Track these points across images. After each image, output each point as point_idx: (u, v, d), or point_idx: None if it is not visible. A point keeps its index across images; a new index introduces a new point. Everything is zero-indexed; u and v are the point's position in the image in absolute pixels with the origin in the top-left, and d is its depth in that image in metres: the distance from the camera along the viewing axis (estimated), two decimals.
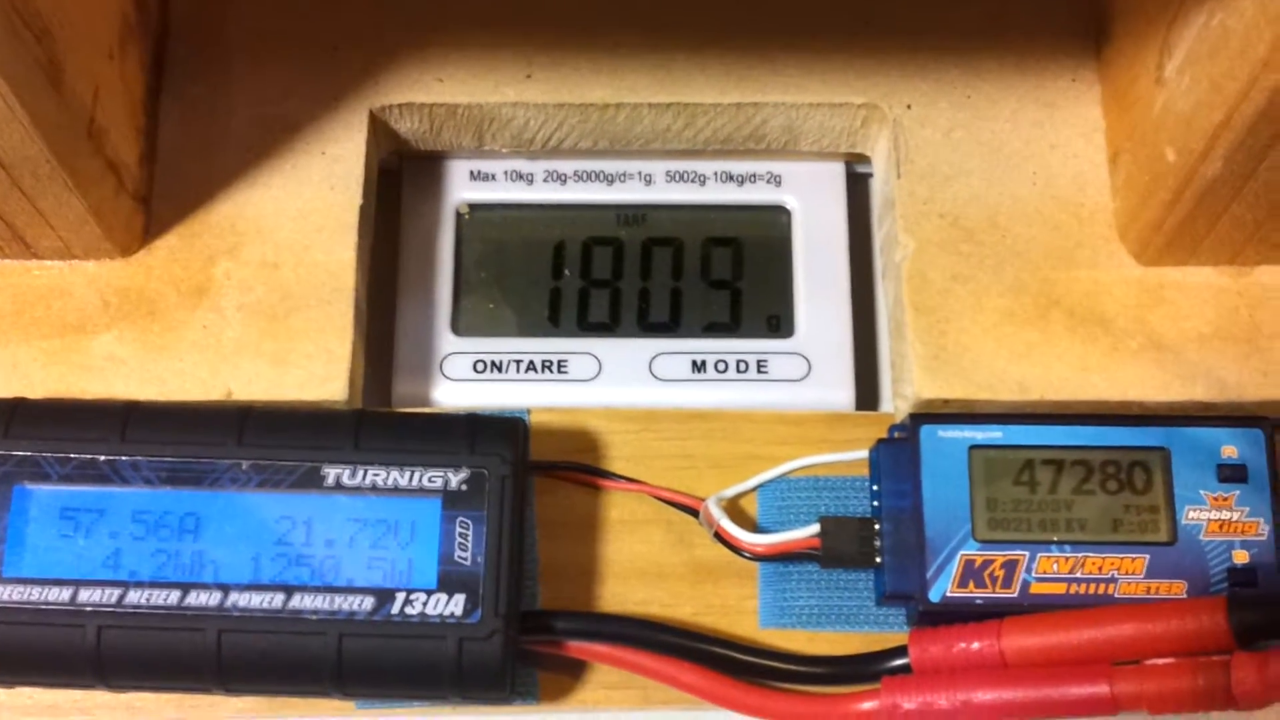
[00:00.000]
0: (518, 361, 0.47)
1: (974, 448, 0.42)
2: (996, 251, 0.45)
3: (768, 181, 0.50)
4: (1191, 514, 0.42)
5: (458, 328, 0.48)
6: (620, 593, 0.44)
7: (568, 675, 0.43)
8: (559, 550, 0.44)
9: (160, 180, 0.46)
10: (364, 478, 0.40)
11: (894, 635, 0.43)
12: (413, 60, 0.48)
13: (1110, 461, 0.42)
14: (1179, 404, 0.43)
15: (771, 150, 0.49)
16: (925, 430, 0.43)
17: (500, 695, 0.40)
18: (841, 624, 0.43)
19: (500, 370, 0.47)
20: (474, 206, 0.50)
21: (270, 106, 0.47)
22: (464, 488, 0.40)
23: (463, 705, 0.42)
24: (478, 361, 0.47)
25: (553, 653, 0.42)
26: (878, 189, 0.49)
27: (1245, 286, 0.45)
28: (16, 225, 0.43)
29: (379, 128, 0.48)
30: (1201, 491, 0.42)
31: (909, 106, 0.47)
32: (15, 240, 0.44)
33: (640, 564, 0.44)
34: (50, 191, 0.41)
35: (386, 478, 0.41)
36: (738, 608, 0.43)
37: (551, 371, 0.47)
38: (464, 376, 0.47)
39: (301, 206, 0.46)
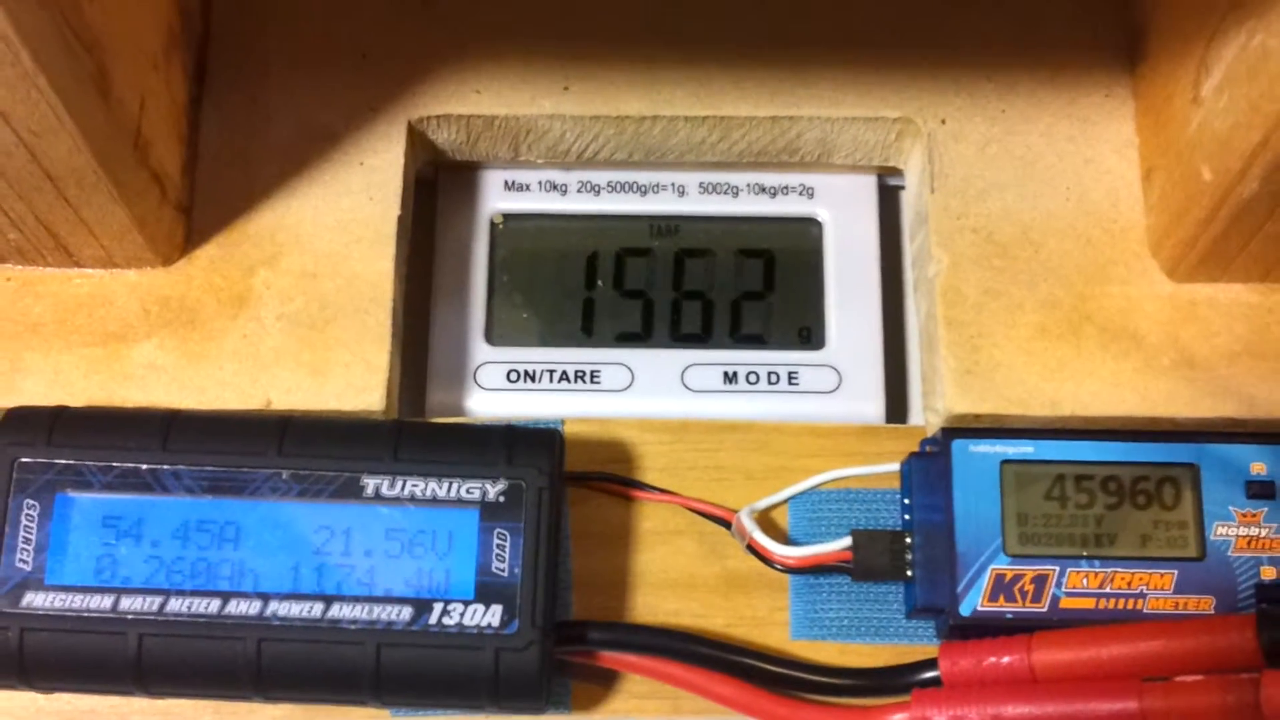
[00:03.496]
0: (551, 371, 0.48)
1: (1005, 462, 0.43)
2: (1030, 267, 0.45)
3: (800, 194, 0.50)
4: (1220, 530, 0.42)
5: (491, 337, 0.48)
6: (652, 603, 0.44)
7: (599, 685, 0.43)
8: (592, 561, 0.44)
9: (201, 190, 0.47)
10: (403, 488, 0.41)
11: (924, 648, 0.43)
12: (451, 72, 0.48)
13: (1140, 477, 0.43)
14: (1209, 420, 0.44)
15: (805, 163, 0.49)
16: (957, 444, 0.43)
17: (536, 706, 0.41)
18: (872, 636, 0.44)
19: (533, 380, 0.48)
20: (508, 216, 0.50)
21: (309, 117, 0.47)
22: (502, 499, 0.41)
23: (497, 714, 0.42)
24: (511, 371, 0.48)
25: (586, 663, 0.42)
26: (910, 203, 0.49)
27: (1277, 304, 0.45)
28: (60, 234, 0.43)
29: (417, 139, 0.48)
30: (1230, 508, 0.42)
31: (943, 121, 0.47)
32: (58, 249, 0.44)
33: (673, 575, 0.44)
34: (95, 202, 0.42)
35: (425, 488, 0.41)
36: (769, 619, 0.44)
37: (584, 381, 0.48)
38: (498, 386, 0.48)
39: (340, 217, 0.46)
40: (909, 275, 0.49)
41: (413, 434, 0.42)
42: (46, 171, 0.40)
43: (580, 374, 0.48)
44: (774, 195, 0.50)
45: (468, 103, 0.48)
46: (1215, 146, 0.41)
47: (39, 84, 0.37)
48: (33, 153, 0.40)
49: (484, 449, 0.42)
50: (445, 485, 0.41)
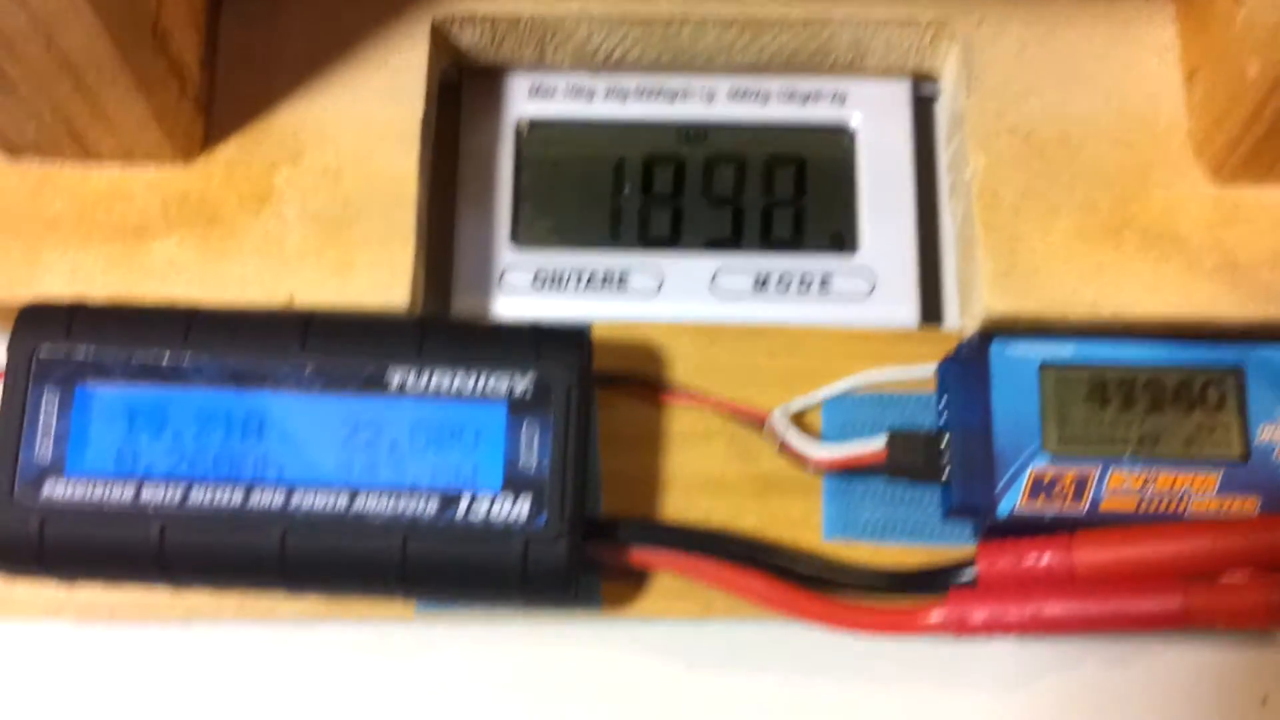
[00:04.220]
0: (578, 275, 0.47)
1: (1045, 365, 0.42)
2: (1069, 169, 0.44)
3: (832, 100, 0.49)
4: (1265, 432, 0.41)
5: (517, 241, 0.47)
6: (683, 505, 0.43)
7: (629, 585, 0.43)
8: (621, 464, 0.43)
9: (221, 86, 0.46)
10: (429, 381, 0.40)
11: (958, 550, 0.42)
12: None
13: (1184, 380, 0.42)
14: (1253, 323, 0.43)
15: (838, 67, 0.48)
16: (995, 346, 0.42)
17: (564, 599, 0.40)
18: (906, 537, 0.43)
19: (560, 284, 0.47)
20: (534, 123, 0.49)
21: (332, 16, 0.46)
22: (529, 393, 0.40)
23: (526, 609, 0.41)
24: (537, 274, 0.47)
25: (616, 561, 0.41)
26: (946, 106, 0.48)
27: None
28: (78, 126, 0.43)
29: (441, 39, 0.47)
30: (1276, 410, 0.41)
31: (980, 23, 0.46)
32: (76, 142, 0.43)
33: (703, 477, 0.43)
34: (114, 92, 0.41)
35: (452, 382, 0.40)
36: (802, 522, 0.43)
37: (612, 285, 0.47)
38: (523, 290, 0.47)
39: (363, 116, 0.45)
40: (943, 182, 0.49)
41: (438, 330, 0.41)
42: (64, 58, 0.39)
43: (608, 278, 0.47)
44: (805, 101, 0.49)
45: (493, 2, 0.47)
46: (1262, 38, 0.40)
47: None
48: (49, 38, 0.39)
49: (512, 345, 0.41)
50: (472, 379, 0.40)
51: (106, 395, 0.40)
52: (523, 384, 0.40)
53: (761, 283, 0.47)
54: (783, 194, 0.48)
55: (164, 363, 0.40)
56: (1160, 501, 0.41)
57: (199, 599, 0.42)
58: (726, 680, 0.43)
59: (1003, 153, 0.45)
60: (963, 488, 0.41)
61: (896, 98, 0.49)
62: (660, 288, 0.47)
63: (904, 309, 0.46)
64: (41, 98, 0.41)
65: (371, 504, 0.39)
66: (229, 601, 0.42)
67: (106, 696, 0.43)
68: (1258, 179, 0.44)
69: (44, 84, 0.41)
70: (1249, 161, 0.43)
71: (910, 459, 0.42)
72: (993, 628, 0.39)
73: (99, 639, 0.43)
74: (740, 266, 0.47)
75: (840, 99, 0.49)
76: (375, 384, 0.40)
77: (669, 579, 0.42)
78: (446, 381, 0.40)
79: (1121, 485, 0.41)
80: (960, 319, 0.46)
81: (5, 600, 0.42)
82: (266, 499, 0.39)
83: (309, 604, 0.42)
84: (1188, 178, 0.45)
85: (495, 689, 0.43)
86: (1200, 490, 0.41)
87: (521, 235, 0.47)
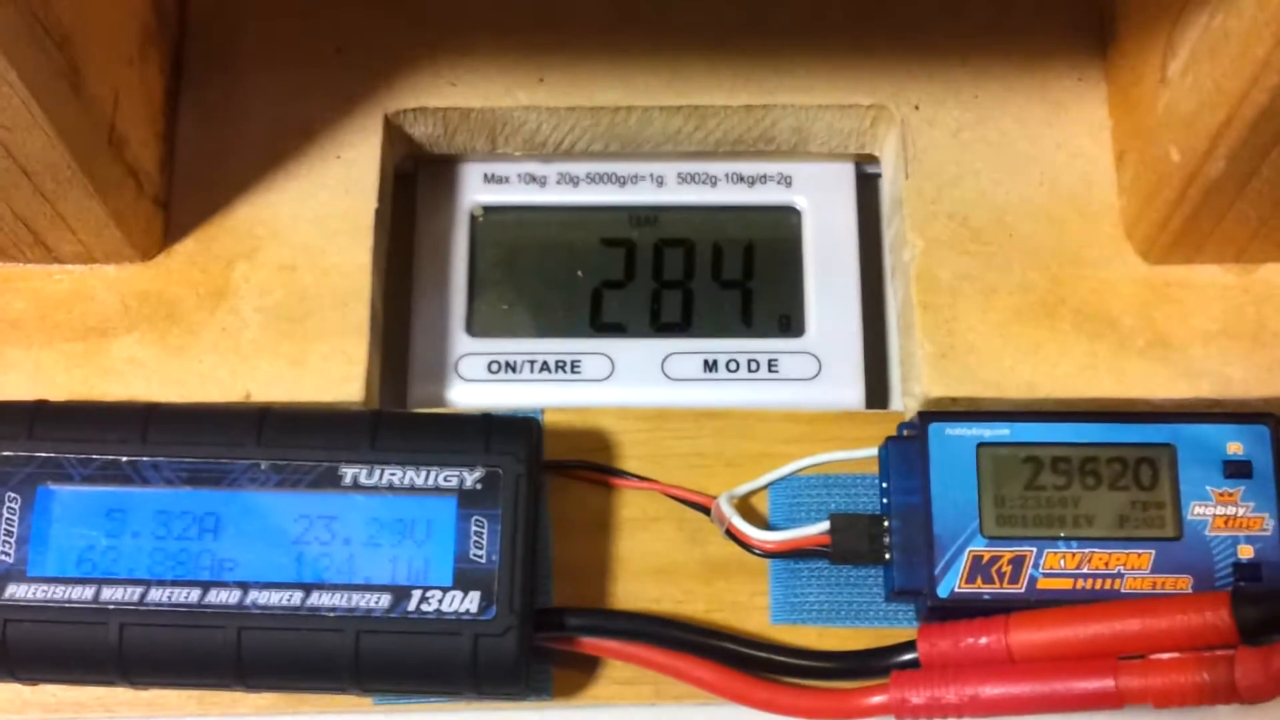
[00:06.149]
0: (531, 362, 0.48)
1: (982, 445, 0.43)
2: (1004, 250, 0.46)
3: (778, 182, 0.50)
4: (1197, 510, 0.42)
5: (472, 329, 0.48)
6: (633, 590, 0.44)
7: (581, 672, 0.43)
8: (572, 548, 0.44)
9: (179, 185, 0.47)
10: (381, 477, 0.41)
11: (903, 631, 0.43)
12: (426, 65, 0.48)
13: (1117, 458, 0.43)
14: (1185, 401, 0.44)
15: (781, 151, 0.50)
16: (934, 428, 0.43)
17: (515, 691, 0.41)
18: (851, 620, 0.44)
19: (514, 371, 0.48)
20: (488, 209, 0.50)
21: (286, 111, 0.48)
22: (479, 486, 0.41)
23: (478, 701, 0.42)
24: (492, 362, 0.48)
25: (566, 649, 0.43)
26: (886, 189, 0.49)
27: (1251, 284, 0.45)
28: (39, 230, 0.44)
29: (393, 132, 0.48)
30: (1207, 487, 0.43)
31: (917, 107, 0.48)
32: (37, 245, 0.45)
33: (653, 561, 0.45)
34: (72, 197, 0.42)
35: (403, 477, 0.41)
36: (749, 604, 0.44)
37: (565, 372, 0.48)
38: (479, 377, 0.48)
39: (318, 210, 0.47)
40: (887, 261, 0.50)
41: (390, 423, 0.42)
42: (22, 167, 0.41)
43: (561, 364, 0.48)
44: (752, 184, 0.50)
45: (443, 95, 0.48)
46: (1182, 127, 0.42)
47: (10, 79, 0.37)
48: (7, 148, 0.40)
49: (461, 437, 0.42)
50: (423, 474, 0.41)
51: (67, 496, 0.41)
52: (472, 477, 0.41)
53: (711, 366, 0.48)
54: (731, 277, 0.49)
55: (123, 462, 0.41)
56: (1096, 580, 0.42)
57: (161, 695, 0.43)
58: None
59: (939, 236, 0.46)
60: (904, 570, 0.42)
61: (841, 180, 0.50)
62: (612, 373, 0.48)
63: (850, 391, 0.47)
64: (2, 203, 0.42)
65: (325, 599, 0.40)
66: (191, 697, 0.43)
67: None
68: (1187, 259, 0.45)
69: (4, 190, 0.42)
70: (1177, 242, 0.44)
71: (853, 542, 0.43)
72: (933, 710, 0.40)
73: None
74: (690, 350, 0.48)
75: (786, 181, 0.50)
76: (329, 480, 0.41)
77: (620, 666, 0.43)
78: (398, 477, 0.41)
79: (1057, 565, 0.42)
80: (902, 400, 0.47)
81: None
82: (223, 596, 0.40)
83: (269, 699, 0.43)
84: (1120, 257, 0.46)
85: None
86: (1134, 568, 0.42)
87: (476, 324, 0.48)
